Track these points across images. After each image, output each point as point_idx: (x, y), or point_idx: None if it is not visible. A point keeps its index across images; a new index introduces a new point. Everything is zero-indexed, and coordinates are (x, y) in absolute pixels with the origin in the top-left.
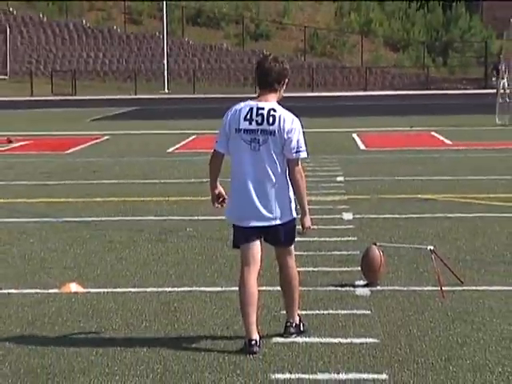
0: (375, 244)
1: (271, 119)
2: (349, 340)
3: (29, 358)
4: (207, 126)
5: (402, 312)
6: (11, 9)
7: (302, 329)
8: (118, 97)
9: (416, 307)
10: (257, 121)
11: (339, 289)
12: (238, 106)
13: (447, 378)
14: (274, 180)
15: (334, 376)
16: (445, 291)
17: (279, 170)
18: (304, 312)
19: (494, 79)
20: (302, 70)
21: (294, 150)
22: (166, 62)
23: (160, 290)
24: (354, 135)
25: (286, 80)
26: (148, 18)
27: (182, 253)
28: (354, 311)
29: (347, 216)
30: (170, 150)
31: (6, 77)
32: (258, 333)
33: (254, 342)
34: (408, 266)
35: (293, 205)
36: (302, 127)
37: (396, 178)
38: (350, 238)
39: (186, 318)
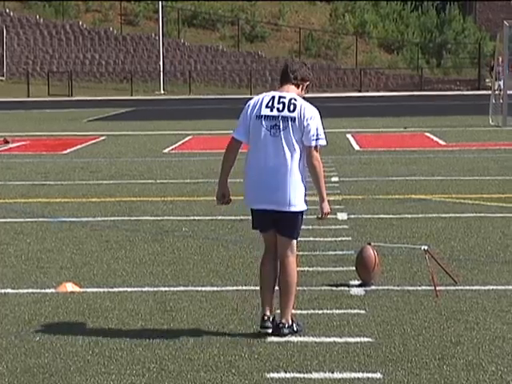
0: (369, 244)
1: (292, 107)
2: (343, 339)
3: (25, 357)
4: (203, 127)
5: (396, 311)
6: (7, 10)
7: (295, 329)
8: (114, 98)
9: (410, 306)
10: (278, 108)
11: (334, 288)
12: (260, 96)
13: (441, 377)
14: (291, 167)
15: (329, 375)
16: (439, 291)
17: (297, 157)
18: (299, 311)
19: (487, 80)
20: None
21: (314, 138)
22: (161, 63)
23: (156, 289)
24: (349, 136)
25: (308, 83)
26: (144, 19)
27: (178, 252)
28: (349, 311)
29: (342, 216)
30: (166, 150)
31: (3, 78)
32: (271, 311)
33: (266, 318)
34: (402, 266)
35: (304, 196)
36: (321, 118)
37: (390, 179)
38: (344, 238)
39: (182, 318)
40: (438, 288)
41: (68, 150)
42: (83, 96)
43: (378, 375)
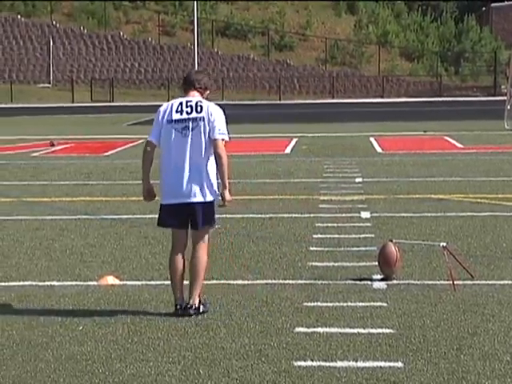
0: (391, 240)
1: (199, 108)
2: (366, 330)
3: (69, 345)
4: (234, 131)
5: (416, 304)
6: (54, 22)
7: (201, 310)
8: (152, 103)
9: (429, 300)
10: (187, 111)
11: (357, 282)
12: (169, 102)
13: (458, 366)
14: (200, 162)
15: (353, 364)
16: (456, 285)
17: (206, 153)
18: (325, 304)
19: (503, 87)
20: (323, 79)
21: (220, 132)
22: None
23: None
24: (372, 139)
25: (208, 92)
26: (180, 30)
27: (211, 248)
28: (372, 303)
29: (365, 214)
30: None
31: (50, 85)
32: (183, 299)
33: (178, 307)
34: (422, 262)
35: (215, 188)
36: (226, 118)
37: (411, 179)
38: (367, 235)
39: (215, 309)
40: (455, 282)
41: (109, 152)
42: (123, 101)
43: (399, 364)
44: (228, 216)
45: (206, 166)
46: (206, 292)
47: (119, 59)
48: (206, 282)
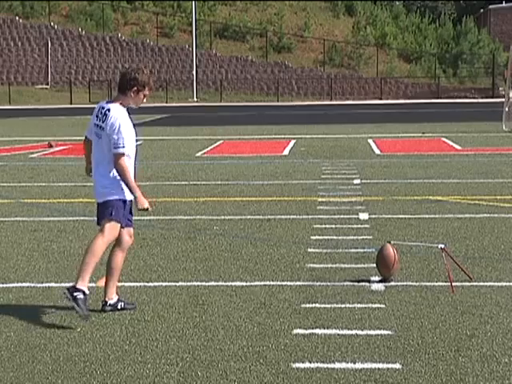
0: (389, 242)
1: (104, 117)
2: (364, 332)
3: (67, 346)
4: (233, 132)
5: (414, 306)
6: (52, 23)
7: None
8: (150, 105)
9: (427, 301)
10: (99, 118)
11: (355, 284)
12: (98, 105)
13: (457, 368)
14: (105, 166)
15: (351, 365)
16: (454, 286)
17: (108, 159)
18: (323, 306)
19: (501, 88)
20: (321, 80)
21: (114, 146)
22: (195, 72)
23: (189, 284)
24: (370, 141)
25: (135, 88)
26: (179, 31)
27: (210, 250)
28: (370, 305)
29: (363, 216)
30: (199, 154)
31: (48, 86)
32: (106, 294)
33: (103, 303)
34: (420, 263)
35: (112, 191)
36: (133, 125)
37: (409, 181)
38: (365, 237)
39: (213, 311)
40: (453, 284)
41: None
42: None
43: (398, 366)
44: (226, 218)
45: (109, 171)
46: (205, 294)
47: (117, 61)
48: (204, 284)
